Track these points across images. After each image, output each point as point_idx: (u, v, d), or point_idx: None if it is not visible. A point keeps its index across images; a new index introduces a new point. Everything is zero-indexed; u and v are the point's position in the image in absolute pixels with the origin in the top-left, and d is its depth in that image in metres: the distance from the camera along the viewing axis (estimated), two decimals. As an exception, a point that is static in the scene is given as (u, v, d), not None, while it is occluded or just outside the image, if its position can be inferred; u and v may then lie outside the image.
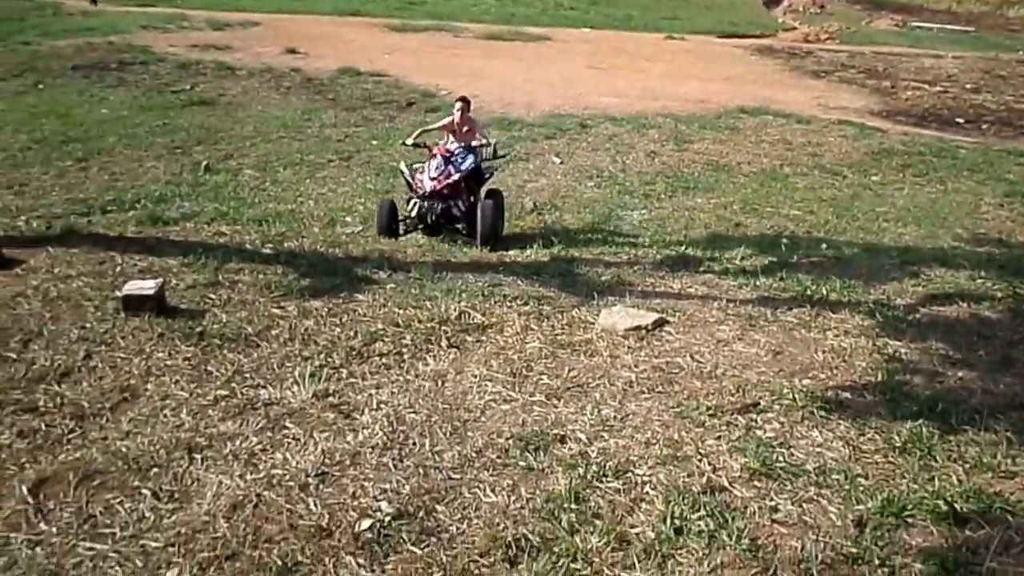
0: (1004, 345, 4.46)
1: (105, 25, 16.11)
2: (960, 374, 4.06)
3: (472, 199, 7.64)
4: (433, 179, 7.31)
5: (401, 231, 7.35)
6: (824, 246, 7.30)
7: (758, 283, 5.36)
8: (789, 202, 9.05)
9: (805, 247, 7.10)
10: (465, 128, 7.80)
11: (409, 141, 7.74)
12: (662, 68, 15.13)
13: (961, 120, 12.42)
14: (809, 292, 5.18)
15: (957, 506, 2.91)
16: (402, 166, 7.66)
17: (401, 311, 4.46)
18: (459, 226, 7.45)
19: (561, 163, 10.23)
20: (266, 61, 13.73)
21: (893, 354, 4.25)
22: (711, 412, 3.57)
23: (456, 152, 7.52)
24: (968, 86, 14.52)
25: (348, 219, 7.72)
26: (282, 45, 14.67)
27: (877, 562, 2.67)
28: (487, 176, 8.03)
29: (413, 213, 7.31)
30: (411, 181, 7.43)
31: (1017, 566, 2.64)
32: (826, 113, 12.55)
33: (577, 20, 19.35)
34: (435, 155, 7.48)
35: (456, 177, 7.34)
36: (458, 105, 7.81)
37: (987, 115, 12.78)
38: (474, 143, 7.68)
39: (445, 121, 7.93)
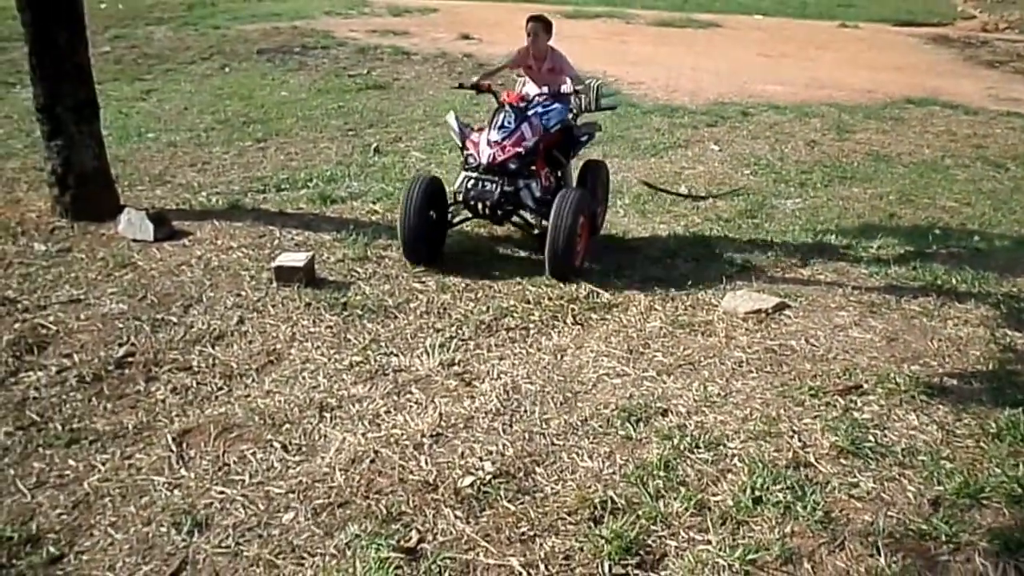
0: None
1: (291, 11, 16.98)
2: None
3: (558, 177, 5.32)
4: (496, 143, 4.80)
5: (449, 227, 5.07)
6: (976, 238, 6.92)
7: (889, 271, 5.22)
8: (947, 194, 8.58)
9: (956, 239, 6.76)
10: (547, 66, 5.37)
11: (468, 84, 5.27)
12: (832, 57, 14.50)
13: None
14: (939, 282, 5.01)
15: (1034, 491, 2.83)
16: (450, 118, 5.22)
17: (533, 288, 4.67)
18: (531, 219, 5.13)
19: (720, 151, 10.08)
20: (441, 47, 14.16)
21: (1009, 344, 4.10)
22: (812, 393, 3.59)
23: (535, 102, 5.07)
24: None
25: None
26: (457, 31, 15.08)
27: (944, 538, 2.66)
28: (584, 138, 5.63)
29: (460, 196, 4.88)
30: (463, 144, 5.03)
31: (1083, 551, 2.57)
32: (996, 104, 11.70)
33: (750, 7, 18.79)
34: (503, 104, 4.99)
35: (532, 141, 4.85)
36: (530, 26, 5.28)
37: None
38: (564, 88, 5.19)
39: (513, 55, 5.50)
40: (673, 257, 5.53)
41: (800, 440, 3.23)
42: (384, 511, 2.87)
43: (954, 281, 5.00)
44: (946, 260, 5.56)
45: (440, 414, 3.45)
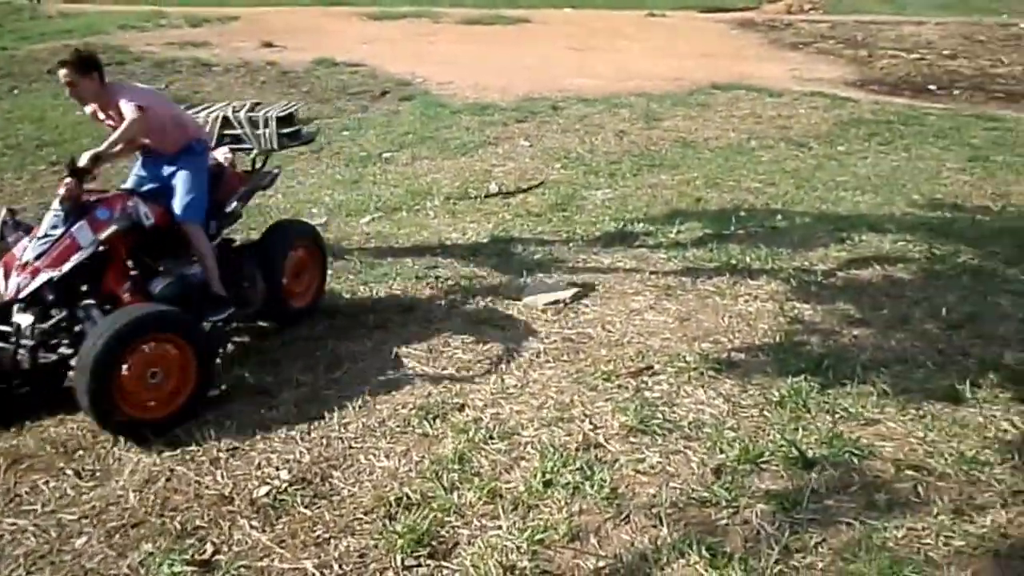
0: (909, 304, 4.67)
1: (83, 27, 16.34)
2: (856, 332, 4.29)
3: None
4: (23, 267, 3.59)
5: None
6: (779, 217, 7.47)
7: (687, 254, 5.58)
8: (752, 175, 9.20)
9: (759, 218, 7.28)
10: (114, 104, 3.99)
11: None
12: (640, 47, 15.27)
13: (934, 87, 12.53)
14: (734, 261, 5.40)
15: (810, 452, 3.13)
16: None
17: (329, 295, 4.72)
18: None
19: (530, 146, 10.43)
20: (243, 56, 13.96)
21: (796, 316, 4.48)
22: (606, 377, 3.82)
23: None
24: (945, 52, 14.58)
25: (314, 211, 7.96)
26: (260, 39, 14.89)
27: (724, 504, 2.90)
28: (235, 204, 4.30)
29: None
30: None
31: (851, 502, 2.88)
32: (800, 85, 12.68)
33: (560, 1, 19.48)
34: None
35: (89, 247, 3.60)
36: (61, 75, 3.93)
37: (960, 81, 12.87)
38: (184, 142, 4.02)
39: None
40: (477, 254, 5.70)
41: (591, 423, 3.44)
42: (179, 527, 2.95)
43: (748, 260, 5.41)
44: (743, 240, 6.00)
45: (237, 426, 3.50)
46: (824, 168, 9.34)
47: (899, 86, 12.66)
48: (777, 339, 4.21)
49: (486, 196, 8.57)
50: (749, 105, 11.76)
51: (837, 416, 3.47)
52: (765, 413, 3.52)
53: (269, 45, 14.65)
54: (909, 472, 3.04)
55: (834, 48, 15.05)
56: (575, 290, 4.77)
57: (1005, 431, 3.36)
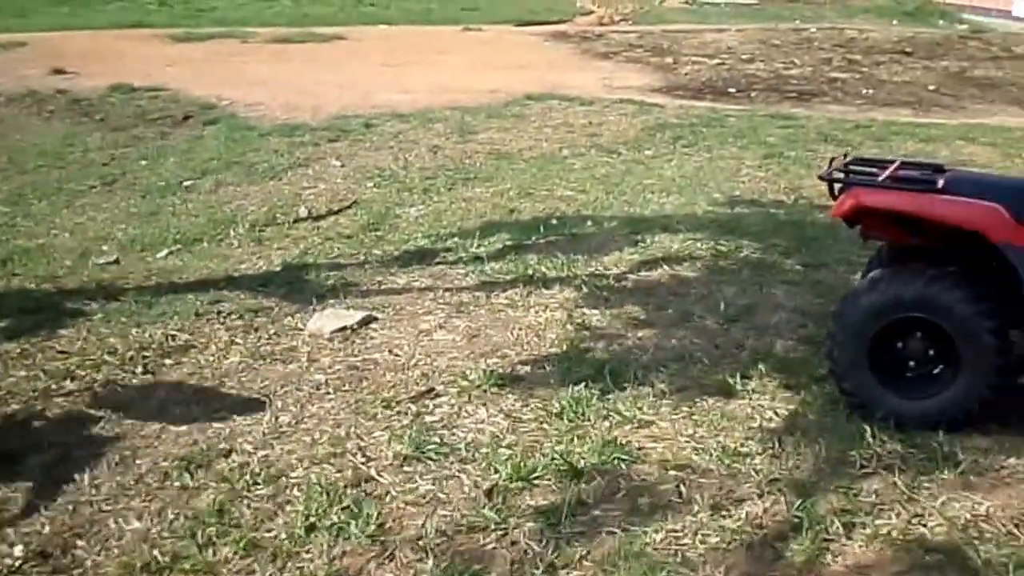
0: (692, 301, 4.77)
1: None
2: (640, 334, 4.35)
3: None
4: None
5: None
6: (589, 223, 7.56)
7: (484, 268, 5.53)
8: (564, 183, 9.31)
9: (569, 226, 7.34)
10: None
11: None
12: (456, 61, 15.30)
13: (733, 89, 13.09)
14: (530, 272, 5.40)
15: (581, 462, 3.11)
16: None
17: (99, 343, 4.41)
18: None
19: (342, 166, 10.22)
20: (29, 84, 13.11)
21: (584, 323, 4.50)
22: (386, 404, 3.71)
23: None
24: (744, 57, 15.29)
25: (104, 248, 7.51)
26: (50, 65, 14.02)
27: (493, 527, 2.83)
28: None
29: None
30: None
31: (616, 510, 2.86)
32: (610, 93, 12.99)
33: (376, 17, 19.32)
34: None
35: None
36: None
37: (758, 83, 13.50)
38: None
39: None
40: (268, 284, 5.48)
41: (365, 455, 3.32)
42: None
43: (544, 269, 5.42)
44: (542, 249, 6.03)
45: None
46: (632, 172, 9.57)
47: (702, 90, 13.15)
48: (564, 348, 4.22)
49: (295, 221, 8.32)
50: (562, 114, 11.94)
51: (614, 422, 3.48)
52: (544, 426, 3.49)
53: (60, 72, 13.79)
54: (673, 472, 3.07)
55: (642, 56, 15.53)
56: (363, 314, 4.64)
57: (770, 420, 3.46)
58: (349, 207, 8.67)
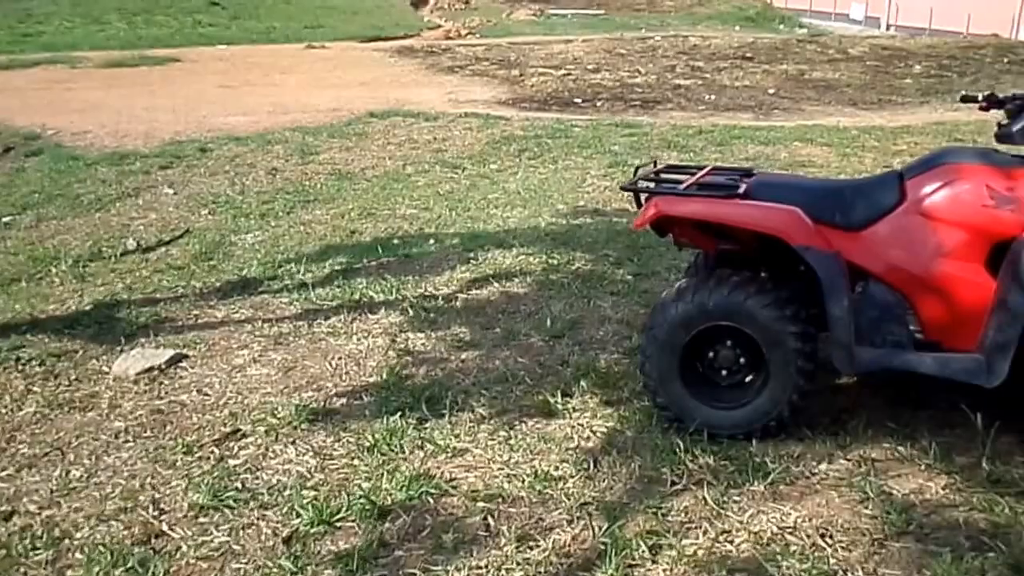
0: (520, 318, 4.72)
1: None
2: (464, 356, 4.25)
3: None
4: None
5: None
6: (431, 241, 7.45)
7: (310, 295, 5.35)
8: (407, 201, 9.20)
9: (410, 246, 7.20)
10: None
11: None
12: (297, 80, 15.01)
13: (579, 100, 13.27)
14: (357, 296, 5.24)
15: (388, 499, 2.98)
16: None
17: None
18: None
19: (175, 193, 9.81)
20: None
21: (407, 348, 4.38)
22: (187, 450, 3.47)
23: None
24: (590, 67, 15.56)
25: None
26: None
27: (291, 578, 2.67)
28: None
29: None
30: None
31: (420, 548, 2.74)
32: (455, 107, 12.98)
33: (213, 37, 18.79)
34: None
35: None
36: None
37: (603, 92, 13.73)
38: None
39: None
40: (75, 325, 5.14)
41: (158, 508, 3.10)
42: None
43: (372, 293, 5.27)
44: (374, 272, 5.88)
45: None
46: (477, 187, 9.53)
47: (548, 101, 13.29)
48: (383, 376, 4.08)
49: (122, 254, 7.90)
50: (405, 131, 11.84)
51: (428, 452, 3.36)
52: (355, 462, 3.34)
53: None
54: (482, 503, 2.98)
55: (488, 69, 15.62)
56: (172, 353, 4.38)
57: (588, 439, 3.41)
58: (181, 236, 8.31)
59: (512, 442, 3.40)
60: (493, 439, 3.42)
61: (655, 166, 3.91)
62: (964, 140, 10.62)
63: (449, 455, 3.32)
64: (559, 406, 3.67)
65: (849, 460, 3.27)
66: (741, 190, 3.43)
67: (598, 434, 3.45)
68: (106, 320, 5.23)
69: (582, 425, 3.52)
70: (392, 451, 3.39)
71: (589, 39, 18.73)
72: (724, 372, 3.50)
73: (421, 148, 11.11)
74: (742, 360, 3.45)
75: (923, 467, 3.22)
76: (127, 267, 7.55)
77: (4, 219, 9.11)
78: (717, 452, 3.32)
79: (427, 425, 3.56)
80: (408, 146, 11.23)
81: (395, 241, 7.43)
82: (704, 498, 3.02)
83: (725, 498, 3.04)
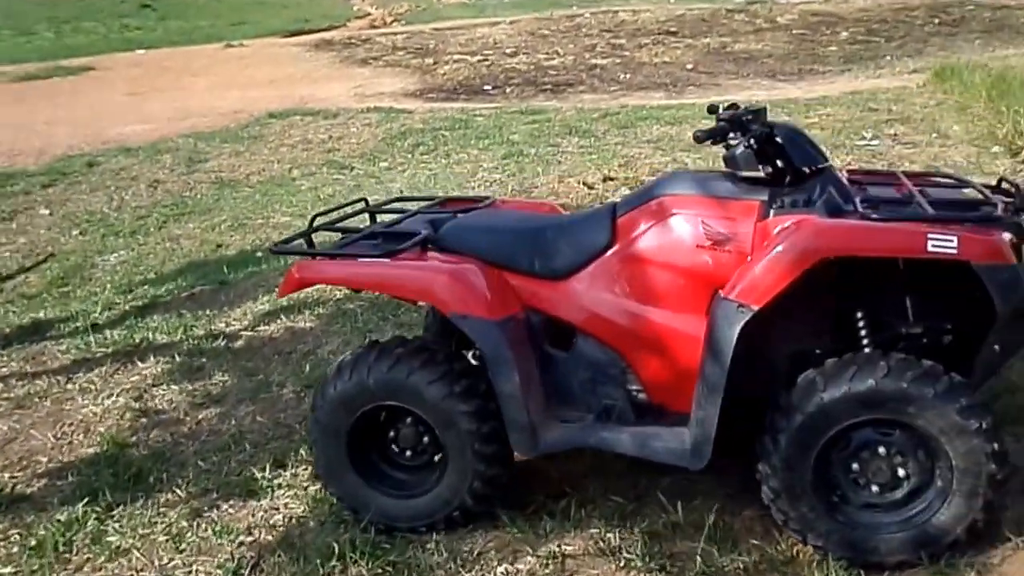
0: (293, 360, 4.19)
1: None
2: (202, 415, 3.93)
3: None
4: None
5: None
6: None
7: (89, 340, 4.85)
8: (285, 208, 8.74)
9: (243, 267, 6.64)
10: None
11: None
12: (207, 82, 14.43)
13: (490, 87, 12.75)
14: (138, 339, 4.79)
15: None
16: None
17: None
18: None
19: (50, 214, 9.29)
20: None
21: (147, 408, 4.05)
22: None
23: None
24: (508, 51, 14.97)
25: None
26: None
27: None
28: None
29: None
30: None
31: None
32: (360, 102, 12.44)
33: (140, 41, 18.12)
34: None
35: None
36: None
37: (516, 78, 13.21)
38: None
39: None
40: None
41: None
42: None
43: (157, 334, 4.77)
44: (178, 304, 5.38)
45: None
46: (362, 187, 9.01)
47: (457, 90, 12.76)
48: (104, 447, 3.60)
49: (-23, 287, 7.41)
50: (302, 131, 11.32)
51: (90, 554, 2.84)
52: (5, 569, 2.81)
53: None
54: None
55: (403, 59, 15.03)
56: None
57: (271, 528, 2.87)
58: (43, 262, 7.87)
59: (188, 537, 2.88)
60: (168, 533, 2.91)
61: (367, 204, 3.37)
62: (879, 110, 10.04)
63: (107, 558, 2.81)
64: (266, 482, 3.18)
65: (538, 556, 2.71)
66: (420, 240, 2.88)
67: (284, 523, 2.93)
68: None
69: (276, 508, 3.05)
70: (57, 551, 2.87)
71: (517, 20, 18.11)
72: (409, 453, 2.94)
73: (313, 149, 10.60)
74: (425, 440, 2.89)
75: (622, 563, 2.65)
76: (-16, 297, 7.05)
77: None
78: (385, 552, 2.78)
79: (113, 514, 3.04)
80: (300, 147, 10.72)
81: (259, 254, 6.94)
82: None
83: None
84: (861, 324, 2.56)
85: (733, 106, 2.79)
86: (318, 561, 2.72)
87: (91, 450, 3.56)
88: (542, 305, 2.83)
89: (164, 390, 4.03)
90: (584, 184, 7.96)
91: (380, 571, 2.66)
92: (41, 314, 5.73)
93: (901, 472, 2.47)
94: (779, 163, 2.61)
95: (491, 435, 2.74)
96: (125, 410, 3.86)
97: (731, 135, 2.62)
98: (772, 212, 2.56)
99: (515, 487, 2.94)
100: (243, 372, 4.13)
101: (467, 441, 2.73)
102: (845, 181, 2.70)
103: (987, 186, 2.77)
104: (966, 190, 2.80)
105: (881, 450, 2.46)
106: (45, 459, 3.54)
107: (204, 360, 4.33)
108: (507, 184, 8.80)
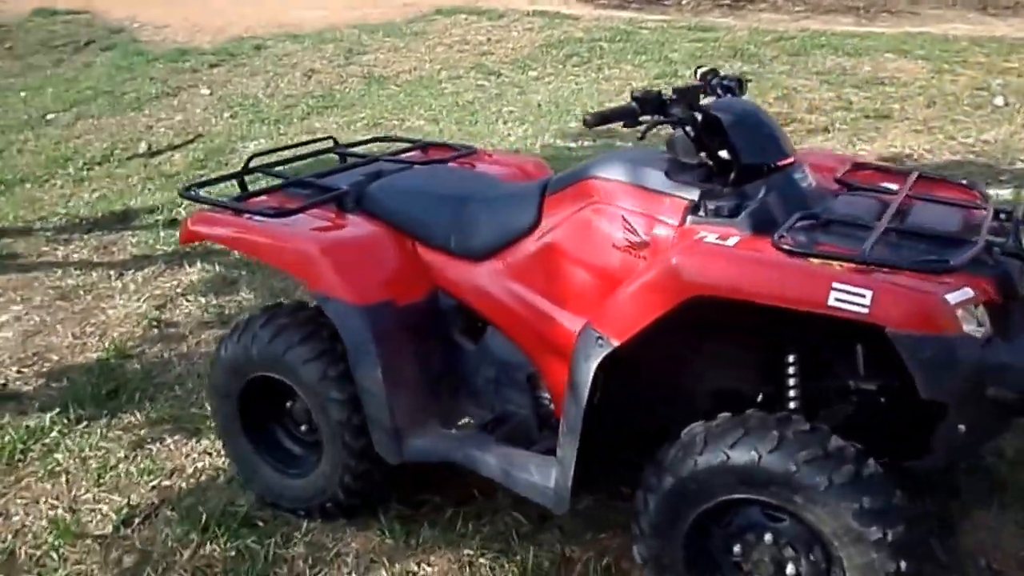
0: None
1: None
2: (202, 336, 3.64)
3: None
4: None
5: None
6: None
7: (162, 235, 4.84)
8: (423, 111, 8.60)
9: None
10: None
11: None
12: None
13: (667, -4, 11.83)
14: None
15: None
16: None
17: None
18: None
19: (210, 94, 9.62)
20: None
21: (168, 320, 3.93)
22: None
23: None
24: (697, -44, 13.82)
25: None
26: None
27: None
28: None
29: None
30: None
31: None
32: (531, 3, 11.86)
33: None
34: None
35: None
36: None
37: (695, -12, 12.17)
38: None
39: None
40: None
41: None
42: None
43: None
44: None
45: None
46: (503, 97, 8.73)
47: (632, -2, 11.92)
48: (105, 354, 3.55)
49: (129, 157, 7.81)
50: (462, 31, 11.00)
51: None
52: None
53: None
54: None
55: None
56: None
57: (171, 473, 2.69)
58: (191, 141, 8.11)
59: (115, 470, 2.85)
60: (103, 461, 2.87)
61: (335, 144, 3.00)
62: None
63: (44, 476, 2.88)
64: (201, 425, 2.98)
65: (392, 572, 2.39)
66: (330, 198, 2.51)
67: (202, 472, 2.81)
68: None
69: (209, 454, 2.93)
70: (12, 459, 2.92)
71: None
72: (304, 428, 2.66)
73: (468, 51, 10.30)
74: (313, 418, 2.57)
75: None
76: (126, 171, 7.44)
77: (48, 116, 9.19)
78: (246, 535, 2.53)
79: (76, 429, 3.04)
80: (456, 48, 10.44)
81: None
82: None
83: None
84: (791, 371, 1.99)
85: (712, 72, 2.26)
86: (187, 527, 2.56)
87: (96, 355, 3.60)
88: (453, 288, 2.44)
89: (187, 301, 4.02)
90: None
91: (232, 554, 2.47)
92: (132, 202, 5.88)
93: (790, 569, 1.92)
94: (723, 155, 2.05)
95: (362, 429, 2.42)
96: (143, 318, 3.88)
97: (641, 119, 2.04)
98: (690, 219, 2.03)
99: (429, 479, 2.62)
100: (268, 293, 4.03)
101: (337, 431, 2.44)
102: (808, 185, 2.10)
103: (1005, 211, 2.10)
104: (975, 211, 2.10)
105: (767, 537, 1.93)
106: (56, 358, 3.62)
107: (240, 274, 4.28)
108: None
